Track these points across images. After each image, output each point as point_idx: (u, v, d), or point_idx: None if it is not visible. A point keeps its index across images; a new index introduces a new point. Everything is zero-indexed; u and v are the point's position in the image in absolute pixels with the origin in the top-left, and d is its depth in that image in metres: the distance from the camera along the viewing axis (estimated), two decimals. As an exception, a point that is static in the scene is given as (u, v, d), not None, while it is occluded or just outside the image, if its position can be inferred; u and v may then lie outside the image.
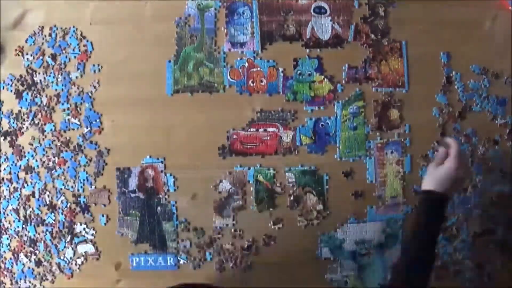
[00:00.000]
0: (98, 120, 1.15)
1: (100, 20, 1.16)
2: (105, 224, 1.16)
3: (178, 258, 1.15)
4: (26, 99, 1.16)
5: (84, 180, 1.15)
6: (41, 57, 1.16)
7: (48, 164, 1.15)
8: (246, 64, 1.15)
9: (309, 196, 1.15)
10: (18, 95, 1.16)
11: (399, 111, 1.16)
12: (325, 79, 1.15)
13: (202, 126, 1.15)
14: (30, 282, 1.16)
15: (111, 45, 1.16)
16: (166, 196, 1.15)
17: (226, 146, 1.15)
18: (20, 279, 1.16)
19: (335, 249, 1.16)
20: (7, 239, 1.16)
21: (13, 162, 1.16)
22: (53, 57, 1.16)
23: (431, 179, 0.96)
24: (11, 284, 1.16)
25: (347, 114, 1.15)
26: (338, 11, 1.16)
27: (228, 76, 1.15)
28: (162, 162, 1.14)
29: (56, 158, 1.15)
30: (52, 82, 1.15)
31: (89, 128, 1.15)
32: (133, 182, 1.15)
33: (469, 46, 1.17)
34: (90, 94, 1.15)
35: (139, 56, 1.16)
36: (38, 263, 1.16)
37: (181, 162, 1.15)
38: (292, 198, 1.14)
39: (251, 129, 1.15)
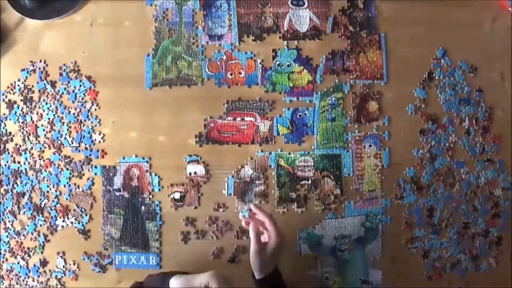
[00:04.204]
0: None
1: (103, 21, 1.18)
2: (86, 223, 1.15)
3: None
4: (16, 112, 1.18)
5: (66, 183, 1.16)
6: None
7: (35, 165, 1.16)
8: (224, 57, 1.16)
9: (327, 180, 1.14)
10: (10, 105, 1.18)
11: (377, 103, 1.15)
12: (304, 70, 1.15)
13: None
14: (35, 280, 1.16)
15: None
16: (150, 196, 1.15)
17: (203, 134, 1.15)
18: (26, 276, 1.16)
19: (314, 245, 1.14)
20: (7, 237, 1.16)
21: (6, 162, 1.16)
22: (53, 84, 1.17)
23: (263, 265, 0.95)
24: (16, 283, 1.16)
25: (326, 105, 1.15)
26: (316, 3, 1.16)
27: (207, 69, 1.16)
28: (147, 161, 1.14)
29: (42, 160, 1.16)
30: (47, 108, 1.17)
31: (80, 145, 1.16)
32: (118, 181, 1.15)
33: (466, 45, 1.17)
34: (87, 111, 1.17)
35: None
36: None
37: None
38: (309, 182, 1.14)
39: (228, 118, 1.15)
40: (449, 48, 1.17)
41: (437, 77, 1.16)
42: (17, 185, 1.16)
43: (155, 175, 1.14)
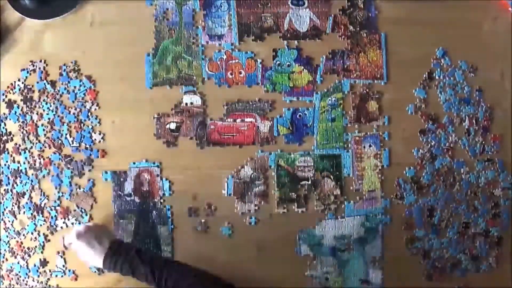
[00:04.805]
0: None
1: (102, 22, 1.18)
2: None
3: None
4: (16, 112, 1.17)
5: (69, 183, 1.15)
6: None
7: (35, 165, 1.15)
8: (224, 57, 1.16)
9: (327, 180, 1.14)
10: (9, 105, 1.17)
11: (377, 103, 1.15)
12: (304, 69, 1.15)
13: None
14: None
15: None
16: (162, 201, 1.14)
17: (203, 136, 1.15)
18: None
19: (314, 245, 1.14)
20: (7, 237, 1.15)
21: (6, 162, 1.16)
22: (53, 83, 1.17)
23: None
24: (16, 283, 1.15)
25: (325, 106, 1.15)
26: (316, 2, 1.16)
27: (207, 69, 1.16)
28: (158, 166, 1.14)
29: (42, 159, 1.15)
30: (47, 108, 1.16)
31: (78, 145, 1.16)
32: (128, 186, 1.14)
33: (466, 45, 1.18)
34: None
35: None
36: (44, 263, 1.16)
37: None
38: (309, 182, 1.14)
39: (229, 119, 1.15)
40: (449, 48, 1.17)
41: (437, 77, 1.16)
42: (17, 185, 1.16)
43: (166, 179, 1.14)
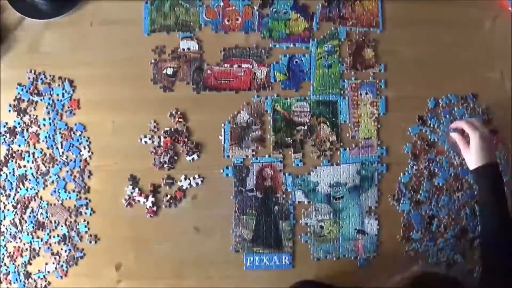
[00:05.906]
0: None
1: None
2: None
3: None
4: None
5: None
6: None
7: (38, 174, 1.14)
8: (222, 3, 1.16)
9: (323, 126, 1.14)
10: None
11: (373, 50, 1.16)
12: (301, 17, 1.16)
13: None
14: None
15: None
16: (284, 196, 1.14)
17: (200, 81, 1.15)
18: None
19: (309, 192, 1.14)
20: (2, 240, 1.13)
21: (13, 169, 1.14)
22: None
23: (475, 158, 1.00)
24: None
25: (322, 52, 1.16)
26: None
27: (204, 15, 1.16)
28: (281, 161, 1.14)
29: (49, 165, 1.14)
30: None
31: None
32: (251, 181, 1.14)
33: (466, 45, 1.17)
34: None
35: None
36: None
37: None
38: (305, 127, 1.14)
39: (226, 65, 1.15)
40: (449, 48, 1.17)
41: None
42: (21, 189, 1.14)
43: (289, 175, 1.14)
